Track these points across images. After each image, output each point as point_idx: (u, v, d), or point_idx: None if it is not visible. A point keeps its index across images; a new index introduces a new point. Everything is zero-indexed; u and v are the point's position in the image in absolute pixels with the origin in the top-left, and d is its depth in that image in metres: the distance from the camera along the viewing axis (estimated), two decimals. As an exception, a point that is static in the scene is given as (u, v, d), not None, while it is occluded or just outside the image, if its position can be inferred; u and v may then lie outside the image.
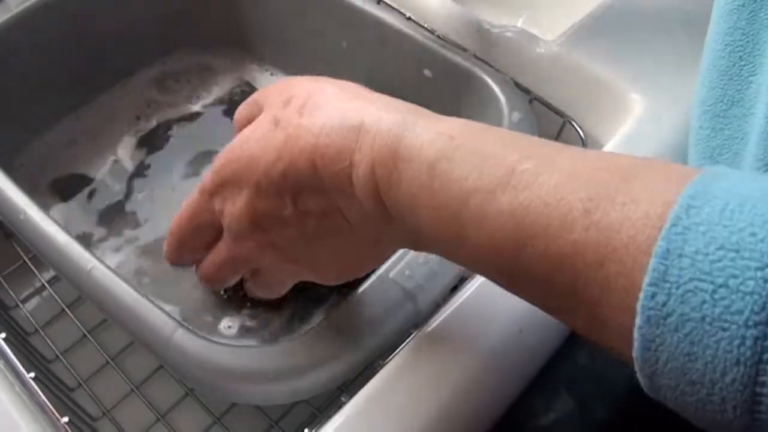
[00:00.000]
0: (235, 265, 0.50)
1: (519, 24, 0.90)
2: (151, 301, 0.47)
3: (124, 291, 0.48)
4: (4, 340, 0.49)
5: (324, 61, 0.75)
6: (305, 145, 0.40)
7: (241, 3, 0.82)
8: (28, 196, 0.55)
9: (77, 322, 0.69)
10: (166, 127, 0.81)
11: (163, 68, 0.83)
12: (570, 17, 0.79)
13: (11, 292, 0.72)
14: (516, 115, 0.62)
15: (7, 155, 0.73)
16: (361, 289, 0.50)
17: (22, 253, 0.74)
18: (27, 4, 0.69)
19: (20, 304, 0.71)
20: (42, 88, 0.74)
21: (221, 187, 0.45)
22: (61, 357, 0.67)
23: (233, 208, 0.45)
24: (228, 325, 0.66)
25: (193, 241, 0.51)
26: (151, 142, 0.80)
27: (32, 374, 0.47)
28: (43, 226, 0.52)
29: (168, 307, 0.64)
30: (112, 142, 0.79)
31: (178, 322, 0.45)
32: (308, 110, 0.42)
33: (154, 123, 0.81)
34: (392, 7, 0.72)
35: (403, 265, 0.51)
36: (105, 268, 0.49)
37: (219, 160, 0.46)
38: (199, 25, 0.83)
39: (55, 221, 0.53)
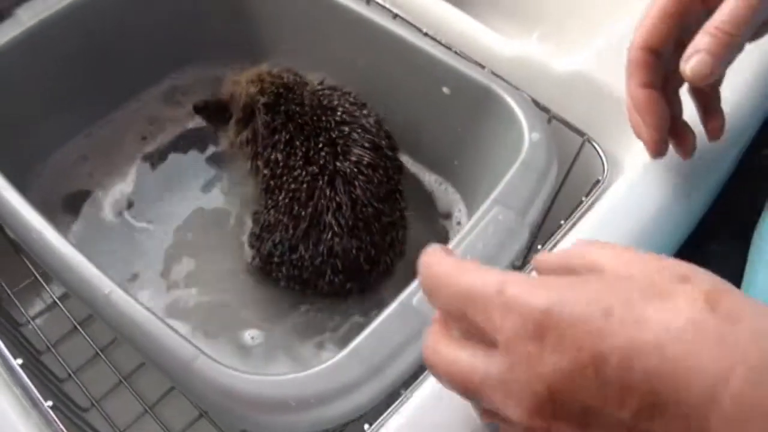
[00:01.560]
0: None
1: (533, 38, 0.90)
2: (170, 327, 0.46)
3: (143, 316, 0.48)
4: (21, 366, 0.49)
5: (338, 77, 0.74)
6: None
7: (254, 17, 0.82)
8: (42, 215, 0.54)
9: (89, 339, 0.69)
10: (175, 142, 0.81)
11: (172, 83, 0.83)
12: (585, 32, 0.79)
13: (22, 309, 0.72)
14: (535, 135, 0.61)
15: (20, 172, 0.73)
16: (383, 316, 0.49)
17: (32, 269, 0.74)
18: (38, 18, 0.69)
19: (31, 321, 0.71)
20: (54, 105, 0.74)
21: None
22: (73, 376, 0.67)
23: None
24: (252, 335, 0.67)
25: None
26: (161, 157, 0.80)
27: (49, 403, 0.47)
28: (59, 248, 0.52)
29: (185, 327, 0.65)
30: (122, 159, 0.79)
31: (199, 349, 0.45)
32: None
33: (163, 138, 0.81)
34: (408, 22, 0.72)
35: (425, 291, 0.50)
36: (123, 292, 0.49)
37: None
38: (210, 40, 0.83)
39: (70, 242, 0.52)
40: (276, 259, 0.67)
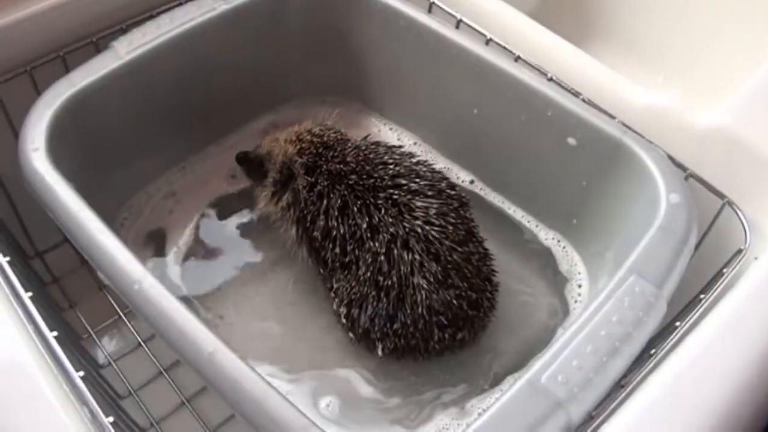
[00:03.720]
0: None
1: (659, 81, 0.88)
2: (282, 395, 0.46)
3: (251, 380, 0.48)
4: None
5: (451, 122, 0.74)
6: None
7: (363, 54, 0.82)
8: (141, 262, 0.55)
9: (174, 386, 0.70)
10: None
11: (272, 119, 0.84)
12: (719, 75, 0.76)
13: (105, 351, 0.73)
14: (674, 197, 0.59)
15: (113, 207, 0.75)
16: (507, 395, 0.48)
17: (117, 308, 0.76)
18: (136, 52, 0.71)
19: (113, 364, 0.72)
20: (148, 139, 0.76)
21: None
22: (134, 393, 0.70)
23: None
24: (326, 403, 0.66)
25: None
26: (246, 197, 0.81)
27: (110, 419, 0.48)
28: (162, 302, 0.52)
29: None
30: (208, 196, 0.80)
31: (315, 424, 0.44)
32: None
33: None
34: (531, 66, 0.71)
35: (555, 368, 0.49)
36: (229, 350, 0.49)
37: None
38: (313, 76, 0.84)
39: (172, 293, 0.53)
40: (377, 335, 0.66)
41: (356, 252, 0.66)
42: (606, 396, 0.50)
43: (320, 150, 0.70)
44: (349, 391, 0.67)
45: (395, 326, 0.64)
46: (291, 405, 0.46)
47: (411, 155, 0.70)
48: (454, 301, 0.64)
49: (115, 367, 0.72)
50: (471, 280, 0.65)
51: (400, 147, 0.72)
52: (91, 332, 0.75)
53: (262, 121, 0.86)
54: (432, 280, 0.63)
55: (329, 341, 0.70)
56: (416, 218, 0.64)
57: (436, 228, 0.64)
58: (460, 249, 0.64)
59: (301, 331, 0.71)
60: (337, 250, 0.66)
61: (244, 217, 0.80)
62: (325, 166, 0.69)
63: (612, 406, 0.50)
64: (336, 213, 0.66)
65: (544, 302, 0.72)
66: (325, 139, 0.71)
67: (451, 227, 0.65)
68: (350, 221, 0.66)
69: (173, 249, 0.76)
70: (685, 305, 0.58)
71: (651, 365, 0.52)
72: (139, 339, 0.74)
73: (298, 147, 0.71)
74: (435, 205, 0.65)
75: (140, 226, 0.77)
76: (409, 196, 0.65)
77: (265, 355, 0.68)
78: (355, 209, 0.66)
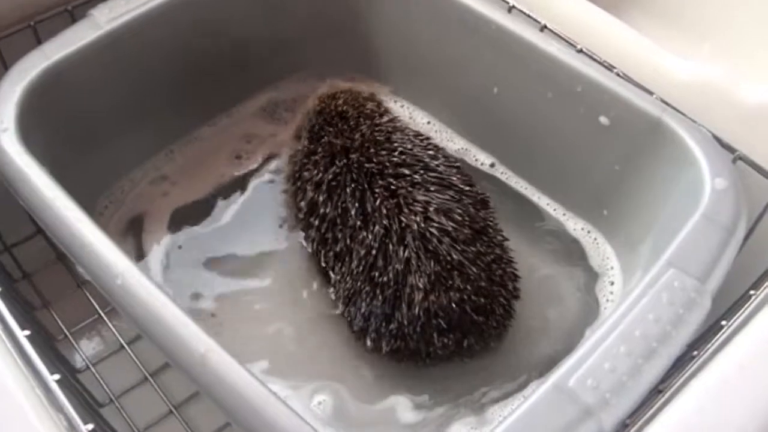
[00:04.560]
0: None
1: (704, 52, 0.87)
2: (284, 402, 0.47)
3: (245, 381, 0.48)
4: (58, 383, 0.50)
5: (469, 100, 0.74)
6: None
7: (374, 25, 0.83)
8: (124, 254, 0.55)
9: (160, 392, 0.71)
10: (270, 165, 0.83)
11: (273, 96, 0.84)
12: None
13: (83, 354, 0.74)
14: (720, 182, 0.59)
15: (94, 192, 0.76)
16: (530, 401, 0.48)
17: (96, 306, 0.76)
18: (120, 21, 0.71)
19: (92, 368, 0.73)
20: (132, 118, 0.76)
21: None
22: (114, 401, 0.70)
23: None
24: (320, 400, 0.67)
25: None
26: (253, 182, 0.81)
27: (90, 426, 0.49)
28: (148, 298, 0.52)
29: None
30: (208, 181, 0.81)
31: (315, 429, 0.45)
32: None
33: (259, 160, 0.83)
34: (559, 36, 0.71)
35: (584, 371, 0.49)
36: (223, 351, 0.49)
37: None
38: (318, 48, 0.84)
39: (159, 286, 0.53)
40: (373, 334, 0.67)
41: (348, 241, 0.67)
42: (642, 402, 0.50)
43: (333, 119, 0.72)
44: (354, 395, 0.68)
45: (391, 326, 0.65)
46: (294, 413, 0.47)
47: (428, 143, 0.71)
48: (454, 305, 0.64)
49: (93, 371, 0.72)
50: (477, 284, 0.65)
51: (426, 138, 0.72)
52: (67, 333, 0.75)
53: (261, 99, 0.86)
54: (429, 280, 0.64)
55: (333, 339, 0.71)
56: (414, 213, 0.65)
57: (435, 225, 0.64)
58: (465, 249, 0.65)
59: (302, 328, 0.72)
60: (324, 231, 0.68)
61: (243, 204, 0.80)
62: (327, 138, 0.70)
63: (649, 414, 0.50)
64: (325, 188, 0.68)
65: (572, 301, 0.72)
66: (345, 108, 0.73)
67: (453, 225, 0.65)
68: (339, 202, 0.67)
69: (160, 240, 0.77)
70: (733, 302, 0.58)
71: (693, 368, 0.52)
72: (122, 341, 0.74)
73: (319, 108, 0.73)
74: (438, 200, 0.66)
75: (123, 214, 0.78)
76: (410, 188, 0.66)
77: (261, 356, 0.69)
78: (348, 191, 0.67)
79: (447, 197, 0.66)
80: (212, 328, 0.71)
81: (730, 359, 0.52)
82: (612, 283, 0.72)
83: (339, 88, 0.76)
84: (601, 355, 0.50)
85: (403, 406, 0.67)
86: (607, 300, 0.71)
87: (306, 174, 0.71)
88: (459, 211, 0.66)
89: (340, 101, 0.74)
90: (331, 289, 0.70)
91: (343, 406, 0.67)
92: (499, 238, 0.69)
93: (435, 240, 0.64)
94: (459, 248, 0.64)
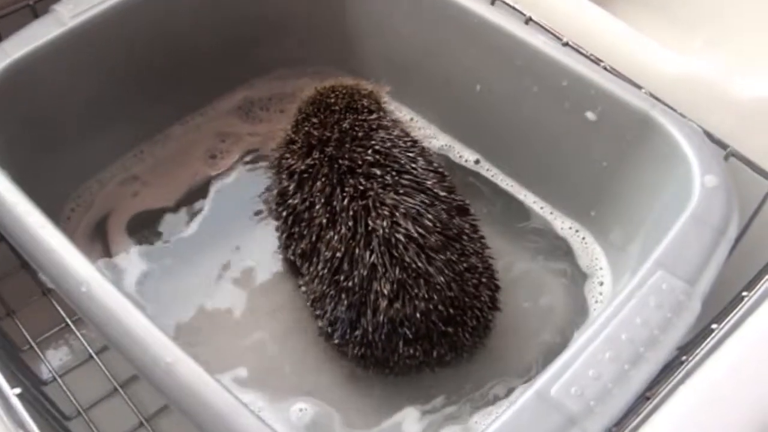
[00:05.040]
0: None
1: (696, 46, 0.88)
2: (253, 413, 0.47)
3: (214, 392, 0.49)
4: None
5: (452, 95, 0.75)
6: None
7: (354, 20, 0.83)
8: (90, 261, 0.56)
9: (131, 404, 0.71)
10: (246, 165, 0.83)
11: (248, 94, 0.84)
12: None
13: (50, 365, 0.74)
14: (711, 179, 0.60)
15: (60, 195, 0.77)
16: (512, 410, 0.48)
17: (64, 315, 0.76)
18: (85, 16, 0.71)
19: (59, 380, 0.73)
20: (100, 118, 0.76)
21: None
22: (83, 413, 0.70)
23: None
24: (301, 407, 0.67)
25: None
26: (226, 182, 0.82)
27: None
28: (113, 306, 0.53)
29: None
30: (181, 181, 0.82)
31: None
32: None
33: (233, 159, 0.84)
34: (544, 28, 0.72)
35: (568, 378, 0.49)
36: (191, 360, 0.50)
37: None
38: (295, 43, 0.85)
39: (127, 294, 0.54)
40: (338, 339, 0.68)
41: (314, 239, 0.68)
42: (628, 410, 0.50)
43: (320, 110, 0.73)
44: (331, 404, 0.68)
45: (356, 333, 0.66)
46: (264, 424, 0.47)
47: (412, 144, 0.71)
48: (419, 315, 0.64)
49: (60, 383, 0.72)
50: (445, 293, 0.65)
51: (412, 140, 0.72)
52: (33, 343, 0.75)
53: (236, 97, 0.87)
54: (392, 288, 0.64)
55: (310, 344, 0.72)
56: (382, 217, 0.65)
57: (402, 230, 0.65)
58: (432, 257, 0.65)
59: (279, 336, 0.73)
60: (291, 223, 0.70)
61: (218, 205, 0.81)
62: (309, 128, 0.71)
63: (635, 422, 0.50)
64: (297, 178, 0.69)
65: (560, 303, 0.73)
66: (334, 100, 0.73)
67: (421, 231, 0.65)
68: (308, 195, 0.68)
69: (131, 244, 0.77)
70: (725, 305, 0.59)
71: (682, 374, 0.53)
72: (90, 350, 0.74)
73: (311, 98, 0.74)
74: (407, 205, 0.66)
75: (91, 218, 0.78)
76: (380, 190, 0.66)
77: (236, 364, 0.70)
78: (318, 185, 0.68)
79: (417, 202, 0.66)
80: (188, 336, 0.72)
81: (720, 364, 0.53)
82: (601, 284, 0.73)
83: (343, 82, 0.77)
84: (585, 361, 0.50)
85: (383, 415, 0.68)
86: (597, 301, 0.72)
87: (284, 162, 0.72)
88: (429, 216, 0.66)
89: (333, 93, 0.74)
90: (303, 288, 0.71)
91: (321, 415, 0.68)
92: (477, 246, 0.69)
93: (401, 246, 0.64)
94: (426, 256, 0.65)
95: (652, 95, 0.67)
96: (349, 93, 0.74)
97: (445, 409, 0.68)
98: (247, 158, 0.84)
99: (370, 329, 0.65)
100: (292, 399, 0.68)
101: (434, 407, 0.68)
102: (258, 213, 0.80)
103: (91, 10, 0.71)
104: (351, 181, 0.67)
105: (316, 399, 0.68)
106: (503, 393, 0.68)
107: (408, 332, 0.65)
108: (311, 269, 0.69)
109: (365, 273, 0.65)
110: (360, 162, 0.68)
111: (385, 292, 0.64)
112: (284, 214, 0.71)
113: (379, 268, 0.64)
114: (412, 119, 0.84)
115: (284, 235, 0.72)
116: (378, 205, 0.66)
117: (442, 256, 0.65)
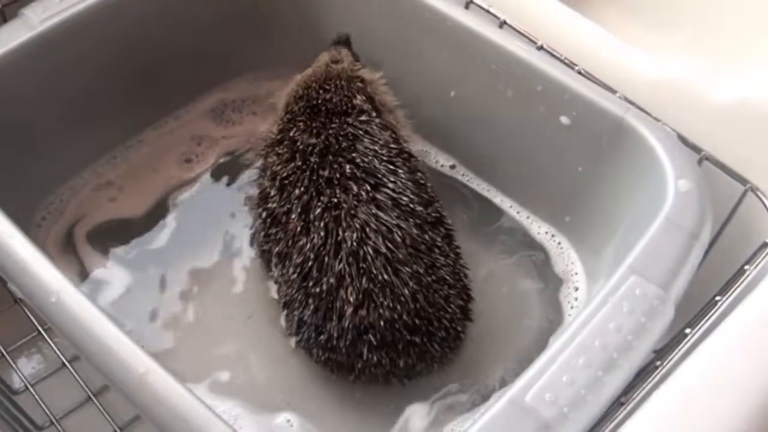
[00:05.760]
0: None
1: (674, 46, 0.89)
2: (228, 424, 0.47)
3: (187, 403, 0.49)
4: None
5: (426, 99, 0.75)
6: None
7: (326, 22, 0.83)
8: (60, 271, 0.56)
9: (105, 413, 0.71)
10: (221, 169, 0.83)
11: (222, 97, 0.84)
12: (748, 42, 0.77)
13: (21, 374, 0.74)
14: (684, 184, 0.60)
15: (28, 206, 0.76)
16: (485, 417, 0.49)
17: (36, 323, 0.76)
18: (55, 20, 0.71)
19: (31, 389, 0.73)
20: (71, 123, 0.76)
21: None
22: (55, 423, 0.70)
23: None
24: (288, 419, 0.67)
25: None
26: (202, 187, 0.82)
27: None
28: (84, 316, 0.53)
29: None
30: (156, 186, 0.81)
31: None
32: None
33: (209, 162, 0.84)
34: (519, 32, 0.72)
35: (542, 385, 0.50)
36: (163, 371, 0.50)
37: None
38: (269, 46, 0.85)
39: (101, 308, 0.54)
40: (304, 343, 0.69)
41: (289, 243, 0.69)
42: (603, 416, 0.51)
43: (307, 111, 0.73)
44: (307, 409, 0.69)
45: (321, 337, 0.67)
46: (226, 424, 0.47)
47: (396, 153, 0.71)
48: (383, 323, 0.65)
49: (33, 392, 0.72)
50: (410, 305, 0.66)
51: (398, 148, 0.72)
52: (4, 352, 0.75)
53: (210, 100, 0.87)
54: (357, 297, 0.65)
55: (286, 352, 0.72)
56: (352, 230, 0.66)
57: (371, 244, 0.66)
58: (399, 269, 0.66)
59: (255, 343, 0.73)
60: (269, 225, 0.71)
61: (196, 210, 0.81)
62: (295, 132, 0.72)
63: (610, 428, 0.51)
64: (278, 182, 0.70)
65: (536, 309, 0.74)
66: (320, 102, 0.73)
67: (390, 245, 0.66)
68: (285, 200, 0.70)
69: (105, 251, 0.77)
70: (698, 310, 0.59)
71: (656, 379, 0.53)
72: (63, 359, 0.74)
73: (300, 93, 0.75)
74: (378, 221, 0.67)
75: (63, 225, 0.78)
76: (354, 203, 0.67)
77: (211, 373, 0.70)
78: (297, 192, 0.69)
79: (391, 217, 0.67)
80: (166, 344, 0.72)
81: (694, 369, 0.54)
82: (576, 289, 0.73)
83: (341, 67, 0.77)
84: (559, 368, 0.51)
85: (355, 424, 0.68)
86: (572, 306, 0.72)
87: (269, 161, 0.73)
88: (399, 233, 0.67)
89: (322, 91, 0.74)
90: (275, 290, 0.73)
91: (305, 425, 0.68)
92: (450, 258, 0.69)
93: (369, 258, 0.65)
94: (393, 268, 0.66)
95: (626, 99, 0.68)
96: (341, 87, 0.74)
97: (422, 417, 0.68)
98: (222, 161, 0.84)
99: (335, 334, 0.66)
100: (271, 407, 0.69)
101: (410, 415, 0.68)
102: (233, 216, 0.80)
103: (61, 14, 0.71)
104: (328, 191, 0.68)
105: (294, 407, 0.69)
106: (479, 400, 0.69)
107: (373, 339, 0.66)
108: (284, 272, 0.70)
109: (333, 281, 0.66)
110: (338, 175, 0.68)
111: (351, 299, 0.65)
112: (263, 215, 0.72)
113: (347, 277, 0.65)
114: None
115: (261, 234, 0.73)
116: (349, 218, 0.67)
117: (408, 269, 0.66)
